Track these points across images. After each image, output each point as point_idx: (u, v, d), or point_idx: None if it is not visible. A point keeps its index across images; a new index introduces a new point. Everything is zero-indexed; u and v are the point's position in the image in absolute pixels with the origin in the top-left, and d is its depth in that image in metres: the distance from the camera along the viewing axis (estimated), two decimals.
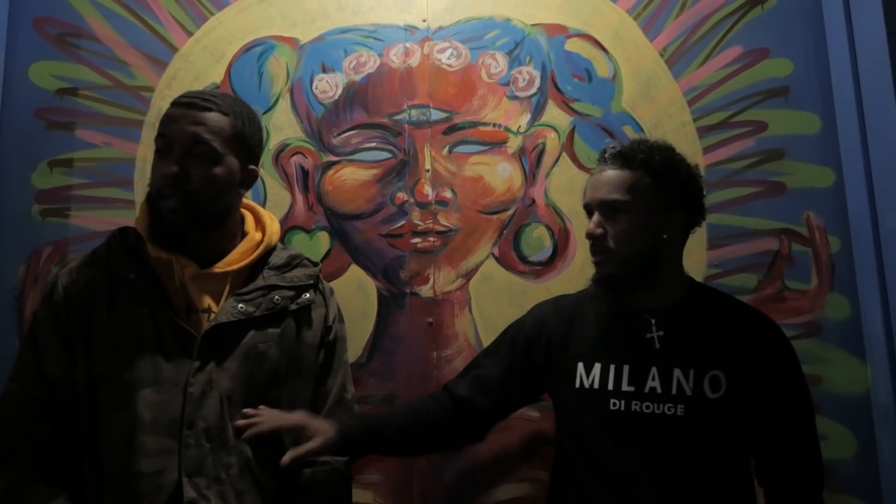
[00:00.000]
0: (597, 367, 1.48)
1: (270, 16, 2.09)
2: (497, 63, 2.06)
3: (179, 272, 1.40)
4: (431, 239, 1.98)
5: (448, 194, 2.00)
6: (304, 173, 2.02)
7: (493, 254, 1.99)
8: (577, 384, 1.49)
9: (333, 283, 1.95)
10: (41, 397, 1.34)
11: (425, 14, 2.08)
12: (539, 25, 2.08)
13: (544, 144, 2.03)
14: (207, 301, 1.40)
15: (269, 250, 1.51)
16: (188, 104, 1.40)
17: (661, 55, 2.07)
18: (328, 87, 2.05)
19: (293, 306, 1.47)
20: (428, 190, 2.00)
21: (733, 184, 2.01)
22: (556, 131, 2.04)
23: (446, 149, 2.02)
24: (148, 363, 1.33)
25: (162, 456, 1.31)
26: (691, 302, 1.52)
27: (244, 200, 1.55)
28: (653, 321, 1.48)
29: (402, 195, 2.00)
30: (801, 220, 1.99)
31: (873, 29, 1.94)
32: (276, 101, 2.04)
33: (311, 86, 2.05)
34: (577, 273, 1.98)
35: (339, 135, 2.03)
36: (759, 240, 1.99)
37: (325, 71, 2.06)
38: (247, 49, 2.07)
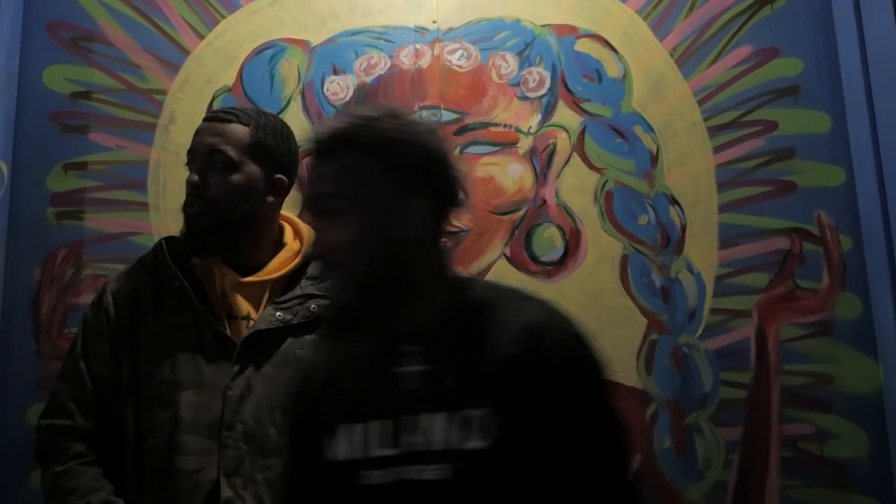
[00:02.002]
0: (342, 430, 1.06)
1: (281, 18, 2.10)
2: (507, 64, 2.07)
3: (220, 280, 1.45)
4: (443, 239, 1.99)
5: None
6: None
7: (504, 254, 2.00)
8: (322, 458, 1.07)
9: None
10: (87, 396, 1.40)
11: (435, 15, 2.10)
12: (549, 26, 2.09)
13: (555, 145, 2.04)
14: (247, 308, 1.45)
15: (308, 260, 1.52)
16: (211, 118, 1.49)
17: (671, 55, 2.07)
18: (339, 88, 2.06)
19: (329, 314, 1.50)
20: None
21: (744, 183, 2.01)
22: (567, 132, 2.05)
23: (457, 149, 2.03)
24: (190, 366, 1.38)
25: (201, 455, 1.35)
26: (460, 315, 1.07)
27: (285, 213, 1.57)
28: (412, 351, 1.05)
29: None
30: (812, 220, 1.99)
31: (883, 27, 1.95)
32: (288, 103, 2.06)
33: (323, 88, 2.07)
34: (588, 273, 1.99)
35: None
36: (771, 239, 1.99)
37: (336, 73, 2.07)
38: (258, 52, 2.09)
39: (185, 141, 1.48)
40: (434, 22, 2.09)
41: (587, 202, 2.02)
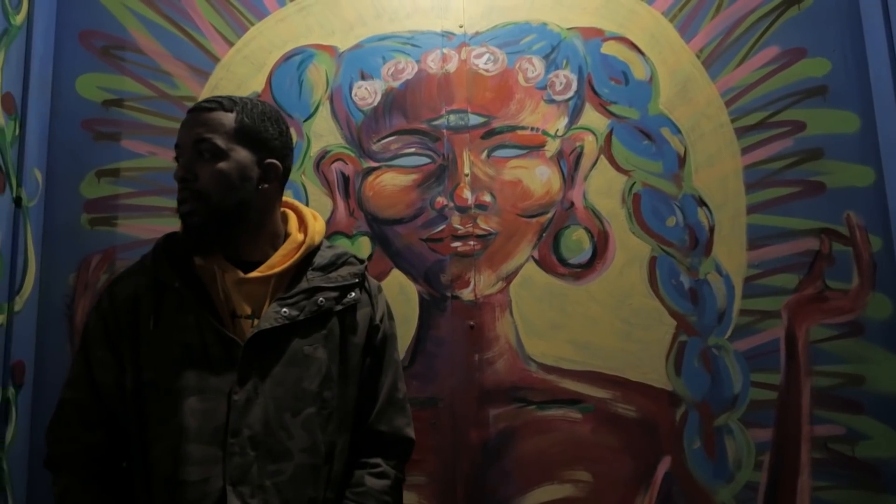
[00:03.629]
0: None
1: (309, 25, 2.12)
2: (534, 67, 2.08)
3: (221, 278, 1.38)
4: (472, 243, 2.01)
5: (487, 198, 2.02)
6: (345, 179, 2.05)
7: (532, 257, 2.01)
8: None
9: None
10: (93, 405, 1.36)
11: (462, 20, 2.11)
12: (575, 29, 2.09)
13: (582, 147, 2.05)
14: (251, 307, 1.39)
15: (313, 251, 1.48)
16: (194, 109, 1.41)
17: (698, 56, 2.07)
18: (367, 93, 2.08)
19: (338, 307, 1.44)
20: (467, 194, 2.02)
21: (772, 184, 2.01)
22: (594, 134, 2.05)
23: (485, 153, 2.04)
24: (193, 371, 1.33)
25: (207, 464, 1.30)
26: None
27: (288, 200, 1.52)
28: None
29: (441, 200, 2.02)
30: (841, 220, 1.99)
31: None
32: (317, 108, 2.08)
33: (351, 93, 2.08)
34: (616, 275, 1.99)
35: (378, 141, 2.06)
36: (800, 240, 1.99)
37: (363, 78, 2.09)
38: (287, 58, 2.10)
39: None
40: (461, 26, 2.10)
41: (615, 204, 2.02)
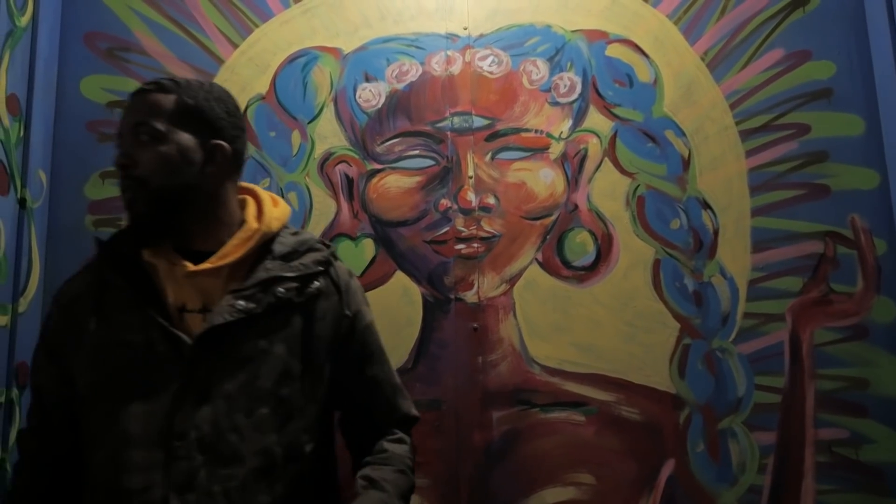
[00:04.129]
0: None
1: (314, 27, 2.12)
2: (538, 69, 2.08)
3: (169, 271, 1.29)
4: (475, 245, 2.01)
5: (491, 200, 2.02)
6: (349, 181, 2.05)
7: (536, 259, 2.01)
8: None
9: (379, 290, 2.00)
10: (42, 416, 1.32)
11: (466, 22, 2.11)
12: (580, 31, 2.09)
13: (586, 150, 2.05)
14: (203, 300, 1.28)
15: (270, 238, 1.36)
16: (134, 94, 1.33)
17: (703, 59, 2.07)
18: (371, 95, 2.08)
19: (300, 298, 1.33)
20: (471, 196, 2.02)
21: (777, 187, 2.01)
22: (598, 136, 2.05)
23: (489, 155, 2.04)
24: (136, 372, 1.24)
25: (150, 471, 1.20)
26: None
27: (248, 186, 1.43)
28: None
29: (445, 202, 2.02)
30: (845, 223, 1.98)
31: None
32: (321, 110, 2.08)
33: (355, 95, 2.08)
34: (620, 278, 1.99)
35: (382, 143, 2.06)
36: (804, 243, 1.98)
37: (367, 80, 2.09)
38: (291, 60, 2.10)
39: None
40: (465, 28, 2.10)
41: (619, 207, 2.02)
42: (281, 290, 1.30)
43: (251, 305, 1.27)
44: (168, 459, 1.20)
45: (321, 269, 1.37)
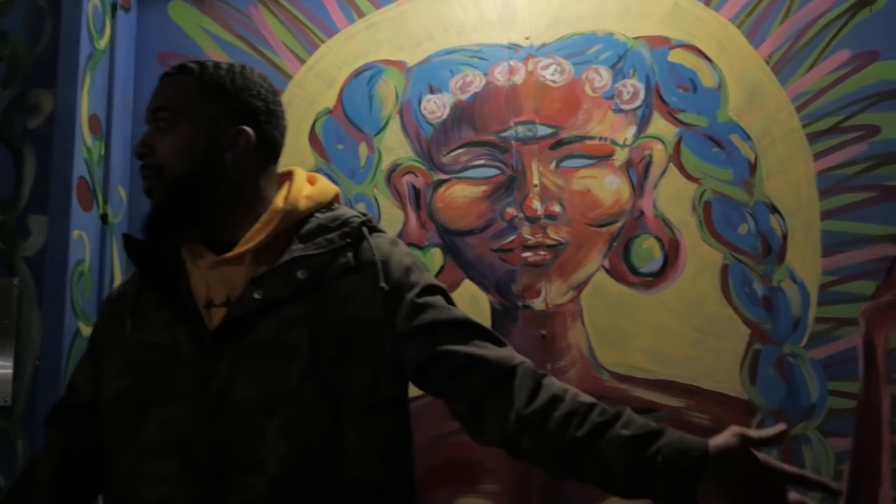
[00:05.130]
0: None
1: (378, 41, 2.17)
2: (601, 77, 2.09)
3: (196, 265, 1.20)
4: (542, 253, 2.02)
5: (557, 208, 2.04)
6: (416, 192, 2.09)
7: (603, 266, 2.02)
8: None
9: None
10: (70, 417, 1.29)
11: (528, 32, 2.13)
12: (642, 38, 2.10)
13: (651, 156, 2.05)
14: (227, 292, 1.17)
15: (298, 219, 1.22)
16: (160, 78, 1.26)
17: (767, 62, 2.06)
18: (436, 107, 2.11)
19: (326, 279, 1.17)
20: (537, 205, 2.04)
21: (847, 189, 1.99)
22: (663, 142, 2.05)
23: (553, 163, 2.06)
24: (163, 375, 1.15)
25: (168, 482, 1.11)
26: None
27: (290, 169, 1.31)
28: None
29: (511, 210, 2.04)
30: None
31: None
32: (387, 122, 2.12)
33: (420, 107, 2.12)
34: (688, 283, 1.98)
35: (448, 153, 2.09)
36: (876, 246, 1.95)
37: (432, 92, 2.13)
38: (357, 74, 2.15)
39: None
40: (527, 38, 2.12)
41: (685, 212, 2.02)
42: (301, 272, 1.16)
43: (271, 293, 1.14)
44: (184, 470, 1.10)
45: (348, 241, 1.20)
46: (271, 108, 1.26)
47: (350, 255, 1.20)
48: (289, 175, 1.29)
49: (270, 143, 1.25)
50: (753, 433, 1.02)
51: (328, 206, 1.26)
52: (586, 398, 1.10)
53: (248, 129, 1.21)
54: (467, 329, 1.19)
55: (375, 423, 1.15)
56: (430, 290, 1.22)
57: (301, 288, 1.15)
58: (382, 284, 1.18)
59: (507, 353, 1.17)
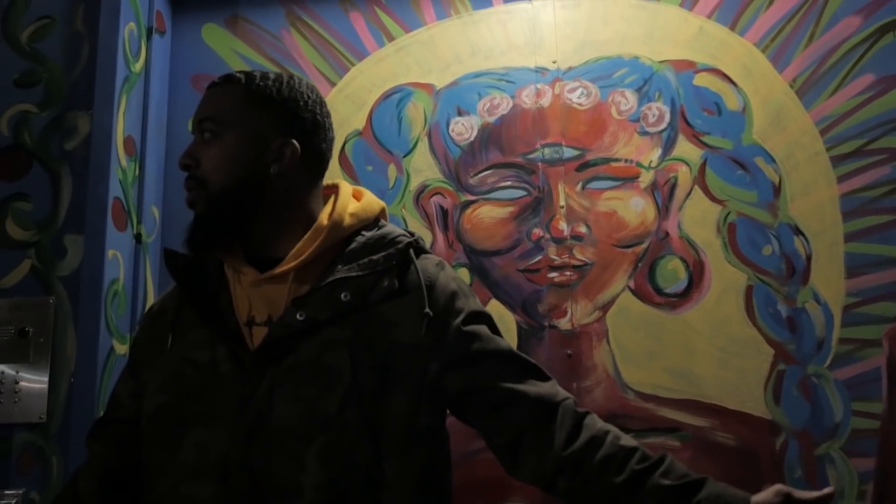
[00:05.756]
0: None
1: (407, 64, 2.20)
2: (627, 100, 2.12)
3: (238, 281, 1.18)
4: (568, 273, 2.05)
5: (583, 229, 2.06)
6: (444, 212, 2.12)
7: (628, 286, 2.04)
8: None
9: None
10: (112, 432, 1.27)
11: (555, 55, 2.16)
12: (667, 62, 2.13)
13: (676, 178, 2.08)
14: (269, 311, 1.15)
15: (343, 237, 1.19)
16: (207, 87, 1.24)
17: (791, 86, 2.09)
18: (464, 129, 2.15)
19: (370, 301, 1.14)
20: (563, 225, 2.06)
21: (870, 212, 2.01)
22: (688, 165, 2.08)
23: (580, 185, 2.09)
24: (203, 394, 1.13)
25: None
26: None
27: (335, 183, 1.28)
28: None
29: (538, 231, 2.07)
30: None
31: None
32: (416, 144, 2.16)
33: (448, 129, 2.15)
34: (713, 304, 2.01)
35: (475, 175, 2.12)
36: None
37: (460, 114, 2.16)
38: (386, 96, 2.19)
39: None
40: (554, 62, 2.16)
41: (710, 234, 2.05)
42: (344, 294, 1.13)
43: (313, 314, 1.11)
44: (222, 493, 1.07)
45: (393, 263, 1.17)
46: (319, 119, 1.23)
47: (395, 277, 1.17)
48: (334, 189, 1.27)
49: (317, 157, 1.23)
50: (797, 493, 1.03)
51: (374, 222, 1.25)
52: (627, 441, 1.10)
53: (294, 141, 1.19)
54: (510, 363, 1.18)
55: (416, 453, 1.12)
56: (476, 317, 1.20)
57: (344, 310, 1.12)
58: (427, 311, 1.15)
59: (550, 389, 1.17)
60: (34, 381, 1.91)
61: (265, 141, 1.17)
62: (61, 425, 1.89)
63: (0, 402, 1.89)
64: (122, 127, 2.01)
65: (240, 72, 1.23)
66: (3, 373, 1.91)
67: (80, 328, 1.91)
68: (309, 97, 1.22)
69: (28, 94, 2.05)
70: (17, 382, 1.90)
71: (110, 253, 1.95)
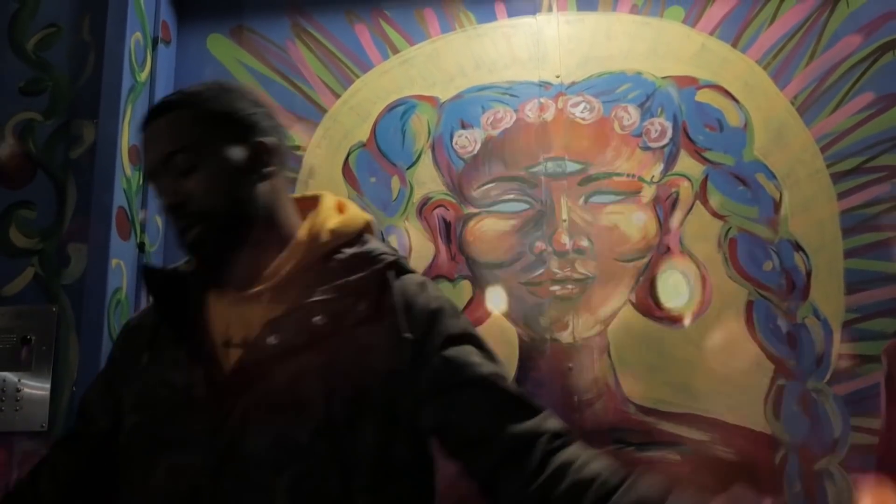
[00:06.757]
0: None
1: (412, 76, 2.21)
2: (629, 115, 2.13)
3: (217, 299, 1.15)
4: (570, 286, 2.06)
5: (585, 243, 2.08)
6: (447, 225, 2.13)
7: (630, 301, 2.05)
8: None
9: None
10: (80, 445, 1.22)
11: (559, 70, 2.18)
12: (670, 78, 2.15)
13: (678, 193, 2.09)
14: (246, 332, 1.10)
15: (322, 253, 1.14)
16: (146, 123, 1.17)
17: (792, 103, 2.10)
18: (467, 142, 2.16)
19: (343, 326, 1.09)
20: (565, 239, 2.08)
21: (870, 229, 2.03)
22: (690, 180, 2.09)
23: (582, 199, 2.10)
24: (174, 418, 1.08)
25: None
26: None
27: (315, 194, 1.25)
28: None
29: (540, 244, 2.08)
30: None
31: None
32: (419, 156, 2.16)
33: (452, 141, 2.17)
34: (713, 318, 2.02)
35: (478, 187, 2.13)
36: None
37: (464, 127, 2.17)
38: (390, 108, 2.20)
39: None
40: (557, 76, 2.17)
41: (711, 249, 2.06)
42: (318, 318, 1.07)
43: (286, 338, 1.06)
44: None
45: (367, 286, 1.12)
46: (270, 112, 1.21)
47: (372, 300, 1.11)
48: (315, 201, 1.23)
49: (280, 154, 1.20)
50: None
51: (357, 237, 1.19)
52: (593, 468, 1.06)
53: (264, 140, 1.16)
54: (489, 393, 1.11)
55: (391, 489, 1.06)
56: (458, 339, 1.13)
57: (318, 334, 1.07)
58: (406, 335, 1.10)
59: (531, 425, 1.09)
60: (36, 390, 1.90)
61: (240, 151, 1.14)
62: (62, 434, 1.89)
63: (1, 411, 1.89)
64: (126, 136, 2.01)
65: (173, 95, 1.18)
66: (4, 381, 1.90)
67: (82, 337, 1.91)
68: (255, 95, 1.21)
69: (33, 102, 2.05)
70: (18, 390, 1.90)
71: (114, 262, 1.95)
